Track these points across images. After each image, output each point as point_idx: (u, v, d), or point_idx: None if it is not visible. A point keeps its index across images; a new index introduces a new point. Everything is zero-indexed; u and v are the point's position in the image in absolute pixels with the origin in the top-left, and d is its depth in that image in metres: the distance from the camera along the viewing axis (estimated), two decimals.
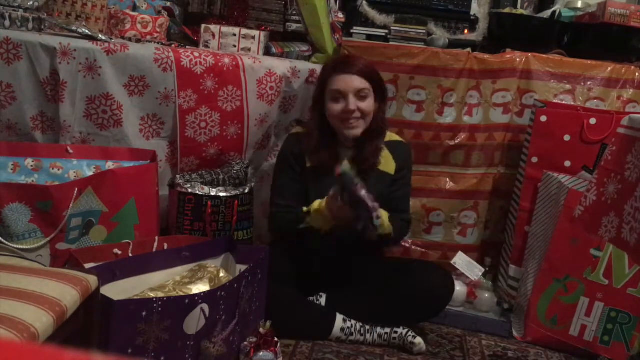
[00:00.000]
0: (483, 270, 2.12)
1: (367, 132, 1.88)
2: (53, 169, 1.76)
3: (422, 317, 1.97)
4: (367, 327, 1.87)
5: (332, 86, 1.84)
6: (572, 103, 2.24)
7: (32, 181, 1.71)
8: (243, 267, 1.49)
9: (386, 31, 2.45)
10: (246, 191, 2.01)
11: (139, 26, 2.23)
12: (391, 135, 2.00)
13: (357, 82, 1.82)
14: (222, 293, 1.29)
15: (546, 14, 2.46)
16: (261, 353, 1.51)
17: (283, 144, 2.04)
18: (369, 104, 1.85)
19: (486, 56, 2.28)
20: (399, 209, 1.95)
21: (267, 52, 2.40)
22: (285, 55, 2.42)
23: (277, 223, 1.94)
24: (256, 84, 2.11)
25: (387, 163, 1.95)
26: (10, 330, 0.86)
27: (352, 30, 2.47)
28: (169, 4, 2.49)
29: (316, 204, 1.80)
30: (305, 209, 1.83)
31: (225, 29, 2.35)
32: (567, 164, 2.07)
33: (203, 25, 2.36)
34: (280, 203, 1.93)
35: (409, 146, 2.05)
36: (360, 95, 1.83)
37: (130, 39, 2.14)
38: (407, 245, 2.37)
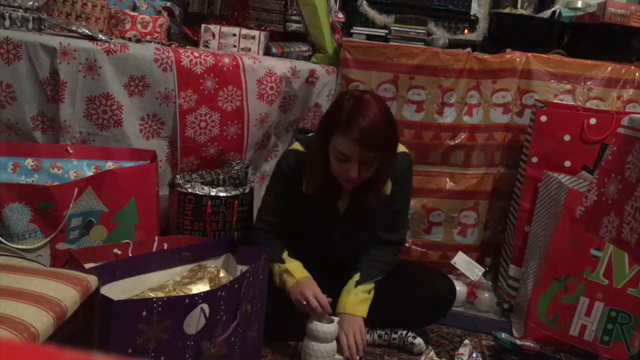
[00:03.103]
0: (483, 270, 2.12)
1: (368, 181, 1.70)
2: (53, 169, 1.76)
3: (423, 323, 1.97)
4: (367, 328, 1.87)
5: (338, 145, 1.61)
6: (572, 103, 2.24)
7: (32, 181, 1.71)
8: (244, 268, 1.49)
9: (386, 31, 2.45)
10: (246, 191, 2.01)
11: (139, 26, 2.23)
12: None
13: (365, 152, 1.59)
14: (223, 293, 1.29)
15: (546, 14, 2.46)
16: None
17: (281, 158, 1.90)
18: (371, 170, 1.66)
19: (486, 56, 2.28)
20: (388, 229, 1.87)
21: (267, 52, 2.40)
22: (285, 55, 2.42)
23: (253, 239, 1.87)
24: (256, 84, 2.11)
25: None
26: (10, 330, 0.86)
27: (352, 30, 2.46)
28: (169, 4, 2.49)
29: (296, 269, 1.74)
30: (284, 261, 1.75)
31: (225, 29, 2.35)
32: (567, 164, 2.07)
33: (203, 25, 2.37)
34: (264, 219, 1.87)
35: (410, 157, 1.86)
36: (365, 162, 1.62)
37: (130, 39, 2.14)
38: (407, 245, 2.37)
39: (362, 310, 1.75)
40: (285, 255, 1.79)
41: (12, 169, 1.70)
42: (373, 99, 1.63)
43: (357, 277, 1.80)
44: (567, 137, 2.07)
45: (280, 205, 1.85)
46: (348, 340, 1.68)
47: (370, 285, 1.79)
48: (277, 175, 1.87)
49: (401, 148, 1.81)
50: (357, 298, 1.76)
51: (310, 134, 2.01)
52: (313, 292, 1.68)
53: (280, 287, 1.75)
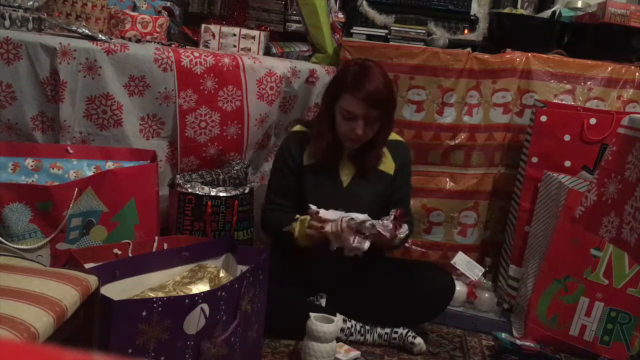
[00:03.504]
0: (483, 270, 2.12)
1: (370, 140, 1.86)
2: (53, 169, 1.76)
3: (422, 318, 1.97)
4: (367, 328, 1.87)
5: (345, 104, 1.79)
6: (572, 103, 2.24)
7: (32, 181, 1.71)
8: (244, 268, 1.49)
9: (386, 31, 2.45)
10: (246, 191, 2.01)
11: (139, 26, 2.23)
12: (392, 135, 2.00)
13: (370, 111, 1.77)
14: (223, 293, 1.29)
15: (546, 14, 2.46)
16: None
17: (282, 142, 2.04)
18: (374, 129, 1.83)
19: (486, 56, 2.28)
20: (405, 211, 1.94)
21: (267, 52, 2.40)
22: (285, 55, 2.42)
23: (266, 220, 1.98)
24: (256, 84, 2.11)
25: (387, 163, 1.95)
26: (10, 330, 0.86)
27: (352, 30, 2.47)
28: (169, 4, 2.49)
29: (304, 217, 1.80)
30: (297, 217, 1.82)
31: (225, 29, 2.35)
32: (567, 164, 2.07)
33: (203, 25, 2.37)
34: (273, 200, 1.96)
35: (407, 146, 2.04)
36: (369, 121, 1.79)
37: (130, 39, 2.14)
38: (407, 245, 2.37)
39: None
40: (294, 216, 1.84)
41: (12, 169, 1.70)
42: (375, 65, 1.84)
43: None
44: (567, 137, 2.07)
45: (286, 185, 1.94)
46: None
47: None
48: (279, 156, 1.99)
49: (397, 136, 2.02)
50: None
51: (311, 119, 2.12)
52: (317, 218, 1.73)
53: (303, 242, 1.80)
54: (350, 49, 2.29)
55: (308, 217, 1.79)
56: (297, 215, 1.83)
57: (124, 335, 1.17)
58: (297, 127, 2.01)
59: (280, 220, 1.88)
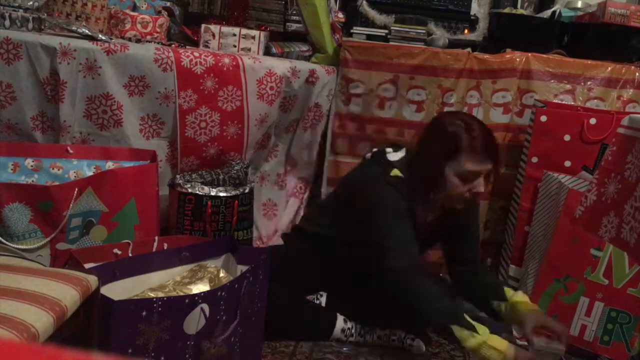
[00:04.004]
0: None
1: None
2: (53, 169, 1.76)
3: (422, 323, 1.95)
4: (367, 329, 1.87)
5: (470, 166, 1.62)
6: (572, 103, 2.24)
7: (32, 181, 1.71)
8: (244, 268, 1.49)
9: (386, 31, 2.45)
10: (246, 191, 2.01)
11: (139, 26, 2.23)
12: None
13: (490, 165, 1.66)
14: (223, 293, 1.29)
15: (546, 14, 2.46)
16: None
17: (384, 186, 1.68)
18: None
19: (486, 56, 2.28)
20: (479, 259, 1.93)
21: (267, 52, 2.40)
22: (285, 55, 2.42)
23: (411, 283, 1.61)
24: (256, 84, 2.11)
25: None
26: (10, 330, 0.86)
27: (352, 30, 2.47)
28: (169, 4, 2.49)
29: (496, 342, 1.51)
30: (472, 326, 1.52)
31: (225, 29, 2.35)
32: (567, 164, 2.07)
33: (203, 25, 2.37)
34: (410, 252, 1.64)
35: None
36: (486, 175, 1.69)
37: (130, 39, 2.14)
38: None
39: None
40: (466, 316, 1.56)
41: (12, 169, 1.70)
42: (472, 118, 1.74)
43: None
44: (567, 137, 2.07)
45: (411, 233, 1.67)
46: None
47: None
48: (391, 201, 1.67)
49: None
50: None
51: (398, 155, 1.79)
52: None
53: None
54: (350, 49, 2.29)
55: (497, 343, 1.51)
56: (467, 317, 1.55)
57: (124, 335, 1.17)
58: (396, 172, 1.70)
59: (444, 312, 1.58)
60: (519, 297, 1.73)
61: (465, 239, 1.89)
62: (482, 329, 1.52)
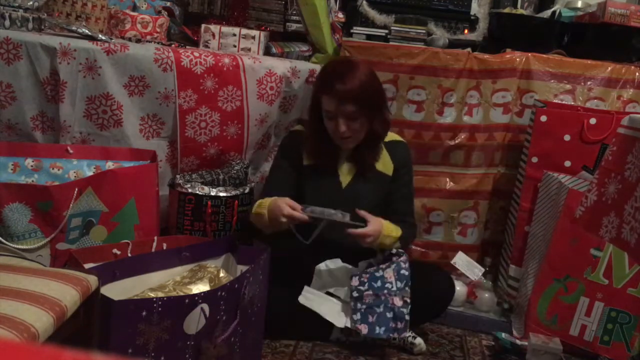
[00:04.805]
0: (483, 270, 2.12)
1: (365, 138, 1.88)
2: (53, 169, 1.76)
3: (422, 319, 1.96)
4: None
5: (324, 105, 1.83)
6: (572, 103, 2.24)
7: (32, 181, 1.71)
8: (244, 268, 1.49)
9: (386, 31, 2.45)
10: (246, 191, 2.01)
11: (139, 26, 2.23)
12: (391, 135, 2.00)
13: (347, 107, 1.79)
14: (223, 293, 1.29)
15: (546, 14, 2.46)
16: None
17: (282, 139, 2.06)
18: (361, 123, 1.83)
19: (486, 56, 2.28)
20: (399, 211, 1.94)
21: (267, 52, 2.40)
22: (285, 55, 2.42)
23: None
24: (256, 84, 2.11)
25: (385, 164, 1.95)
26: (11, 330, 0.86)
27: (352, 30, 2.47)
28: (169, 4, 2.49)
29: (266, 200, 1.82)
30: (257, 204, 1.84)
31: (225, 29, 2.35)
32: (567, 164, 2.07)
33: (203, 25, 2.37)
34: (268, 193, 1.91)
35: (407, 146, 2.04)
36: (350, 117, 1.80)
37: (130, 39, 2.14)
38: None
39: (392, 229, 1.83)
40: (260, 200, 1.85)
41: (12, 169, 1.70)
42: (351, 62, 1.88)
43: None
44: (567, 137, 2.07)
45: (284, 179, 1.93)
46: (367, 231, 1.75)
47: (399, 241, 1.86)
48: (280, 152, 2.00)
49: (397, 137, 2.02)
50: (395, 229, 1.85)
51: None
52: (285, 203, 1.74)
53: (261, 225, 1.84)
54: (350, 49, 2.29)
55: (264, 200, 1.82)
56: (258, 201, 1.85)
57: (124, 335, 1.17)
58: (298, 127, 2.03)
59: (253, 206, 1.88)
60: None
61: (398, 190, 1.97)
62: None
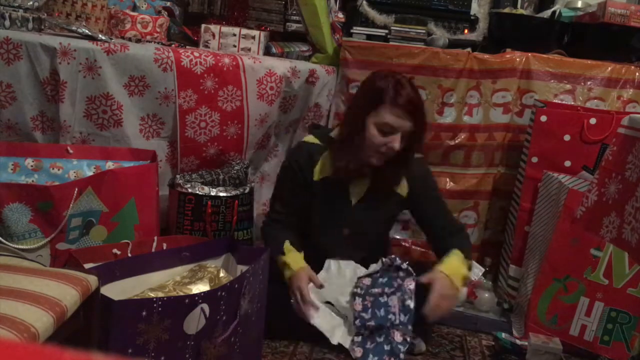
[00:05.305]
0: (483, 270, 2.12)
1: (395, 157, 1.77)
2: (53, 169, 1.76)
3: (422, 320, 1.95)
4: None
5: (386, 118, 1.70)
6: (572, 103, 2.24)
7: (32, 181, 1.71)
8: (244, 268, 1.49)
9: (386, 31, 2.45)
10: (246, 191, 2.01)
11: (139, 26, 2.23)
12: None
13: (408, 124, 1.71)
14: (223, 293, 1.29)
15: (546, 14, 2.46)
16: None
17: (292, 150, 1.97)
18: (405, 142, 1.75)
19: (486, 56, 2.28)
20: (450, 223, 1.92)
21: (267, 52, 2.40)
22: (285, 55, 2.42)
23: (265, 231, 1.95)
24: (256, 84, 2.11)
25: (400, 184, 1.87)
26: (11, 330, 0.86)
27: (352, 30, 2.46)
28: (169, 4, 2.49)
29: (293, 261, 1.79)
30: (284, 252, 1.80)
31: (225, 29, 2.35)
32: (567, 164, 2.07)
33: (203, 25, 2.37)
34: (276, 209, 1.91)
35: (423, 160, 1.94)
36: (405, 134, 1.73)
37: (130, 39, 2.14)
38: (407, 245, 2.37)
39: (460, 280, 1.75)
40: (286, 245, 1.82)
41: (12, 169, 1.70)
42: (405, 78, 1.78)
43: (457, 252, 1.80)
44: (567, 137, 2.07)
45: (291, 199, 1.88)
46: (435, 305, 1.68)
47: (468, 263, 1.81)
48: (287, 168, 1.89)
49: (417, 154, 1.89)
50: (459, 267, 1.76)
51: (325, 128, 2.07)
52: (298, 286, 1.74)
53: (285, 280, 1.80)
54: (350, 49, 2.29)
55: (293, 261, 1.79)
56: (285, 246, 1.81)
57: (124, 335, 1.17)
58: (309, 138, 1.90)
59: (274, 242, 1.85)
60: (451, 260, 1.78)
61: (429, 205, 1.90)
62: (290, 253, 1.81)
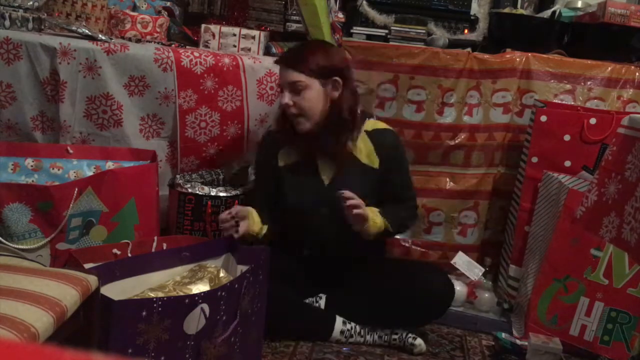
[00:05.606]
0: (483, 270, 2.12)
1: (325, 124, 1.77)
2: (53, 169, 1.76)
3: (421, 320, 1.95)
4: (367, 329, 1.87)
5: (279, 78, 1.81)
6: (572, 103, 2.24)
7: (32, 181, 1.71)
8: (244, 268, 1.49)
9: (386, 31, 2.45)
10: (246, 191, 2.01)
11: (139, 26, 2.23)
12: (375, 124, 1.89)
13: (290, 75, 1.72)
14: (223, 293, 1.29)
15: (546, 14, 2.46)
16: None
17: (257, 144, 2.03)
18: (308, 99, 1.73)
19: (486, 56, 2.28)
20: (400, 198, 1.90)
21: (267, 52, 2.40)
22: None
23: None
24: (256, 84, 2.11)
25: (369, 155, 1.84)
26: (10, 330, 0.86)
27: (352, 30, 2.46)
28: (169, 4, 2.49)
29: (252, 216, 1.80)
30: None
31: (225, 29, 2.35)
32: (567, 164, 2.07)
33: (203, 25, 2.36)
34: (255, 200, 1.93)
35: (394, 132, 1.92)
36: (295, 89, 1.72)
37: (130, 39, 2.14)
38: (407, 245, 2.37)
39: (376, 217, 1.77)
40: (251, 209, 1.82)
41: (12, 169, 1.70)
42: (307, 41, 1.88)
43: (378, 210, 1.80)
44: (567, 137, 2.07)
45: (261, 189, 1.93)
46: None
47: (387, 221, 1.80)
48: (255, 161, 1.99)
49: (381, 124, 1.90)
50: (376, 212, 1.78)
51: None
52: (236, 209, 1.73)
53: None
54: (350, 49, 2.28)
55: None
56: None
57: (124, 335, 1.17)
58: (270, 127, 1.97)
59: None
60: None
61: (394, 176, 1.88)
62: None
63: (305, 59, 1.73)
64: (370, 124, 1.87)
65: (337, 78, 1.76)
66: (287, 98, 1.72)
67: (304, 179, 1.85)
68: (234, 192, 1.97)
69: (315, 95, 1.74)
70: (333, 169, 1.84)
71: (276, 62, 1.81)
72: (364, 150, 1.84)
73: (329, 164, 1.84)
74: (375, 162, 1.84)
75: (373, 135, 1.85)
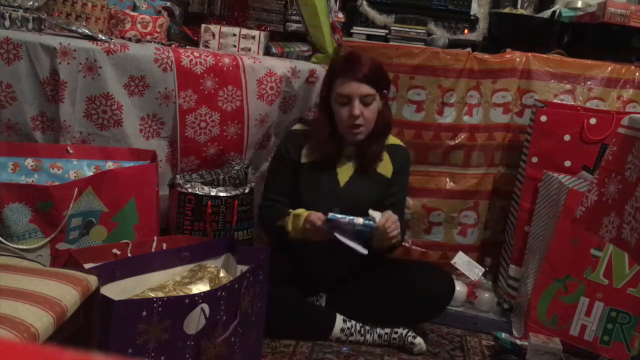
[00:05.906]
0: (483, 270, 2.12)
1: (371, 132, 1.88)
2: (53, 169, 1.76)
3: (422, 318, 1.97)
4: (367, 328, 1.87)
5: (339, 90, 1.83)
6: (572, 103, 2.24)
7: (32, 181, 1.71)
8: (244, 268, 1.49)
9: (386, 31, 2.45)
10: (246, 191, 2.01)
11: (139, 26, 2.23)
12: (391, 139, 2.00)
13: (363, 88, 1.80)
14: (223, 293, 1.29)
15: (546, 14, 2.46)
16: None
17: (280, 139, 2.07)
18: (372, 110, 1.84)
19: (486, 56, 2.28)
20: (395, 212, 1.93)
21: (267, 52, 2.40)
22: (285, 55, 2.42)
23: (263, 215, 1.99)
24: (256, 84, 2.11)
25: (385, 165, 1.95)
26: (10, 330, 0.86)
27: (352, 30, 2.47)
28: (169, 4, 2.49)
29: (301, 210, 1.83)
30: (291, 211, 1.85)
31: (225, 29, 2.35)
32: (567, 164, 2.07)
33: (203, 25, 2.36)
34: (270, 197, 1.97)
35: (407, 151, 2.04)
36: (365, 101, 1.82)
37: (130, 39, 2.14)
38: (407, 245, 2.37)
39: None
40: (291, 211, 1.86)
41: (12, 169, 1.70)
42: (356, 52, 1.93)
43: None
44: (567, 137, 2.07)
45: (283, 183, 1.95)
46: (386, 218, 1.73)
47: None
48: (277, 154, 2.00)
49: (398, 141, 2.03)
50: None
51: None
52: (317, 216, 1.76)
53: (297, 236, 1.83)
54: (350, 49, 2.28)
55: (302, 211, 1.82)
56: (290, 210, 1.86)
57: (124, 335, 1.17)
58: (297, 126, 2.02)
59: (276, 216, 1.90)
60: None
61: (395, 190, 1.96)
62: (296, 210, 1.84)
63: (375, 74, 1.84)
64: (390, 138, 2.00)
65: (386, 92, 1.93)
66: (358, 109, 1.80)
67: (321, 179, 1.91)
68: (234, 192, 1.97)
69: (377, 107, 1.86)
70: (350, 172, 1.92)
71: (341, 74, 1.83)
72: (382, 160, 1.95)
73: (347, 166, 1.93)
74: (389, 173, 1.95)
75: (391, 148, 1.97)
